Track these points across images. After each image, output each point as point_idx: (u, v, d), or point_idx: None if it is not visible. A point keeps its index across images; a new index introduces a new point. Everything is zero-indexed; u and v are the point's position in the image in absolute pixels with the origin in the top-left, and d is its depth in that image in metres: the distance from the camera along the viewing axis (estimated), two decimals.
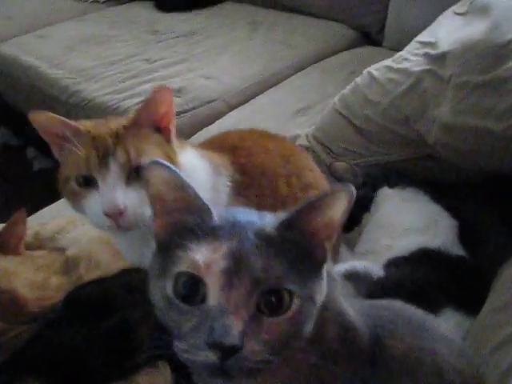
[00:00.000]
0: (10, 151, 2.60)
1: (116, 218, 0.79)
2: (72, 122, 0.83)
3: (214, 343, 0.48)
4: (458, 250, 1.03)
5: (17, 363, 0.77)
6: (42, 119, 0.82)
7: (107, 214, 0.79)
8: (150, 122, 0.84)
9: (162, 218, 0.56)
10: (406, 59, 1.28)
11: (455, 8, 1.39)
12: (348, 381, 0.57)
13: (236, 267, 0.50)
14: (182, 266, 0.51)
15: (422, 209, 1.11)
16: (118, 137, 0.82)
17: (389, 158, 1.22)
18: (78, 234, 1.10)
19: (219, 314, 0.49)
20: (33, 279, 0.95)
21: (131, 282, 0.85)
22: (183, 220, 0.54)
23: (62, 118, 0.82)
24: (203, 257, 0.51)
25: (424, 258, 1.01)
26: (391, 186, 1.17)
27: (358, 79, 1.37)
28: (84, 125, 0.85)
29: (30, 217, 1.18)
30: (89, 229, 1.11)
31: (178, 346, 0.51)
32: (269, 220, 0.54)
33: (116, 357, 0.76)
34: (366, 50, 2.07)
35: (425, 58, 1.21)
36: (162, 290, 0.53)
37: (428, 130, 1.12)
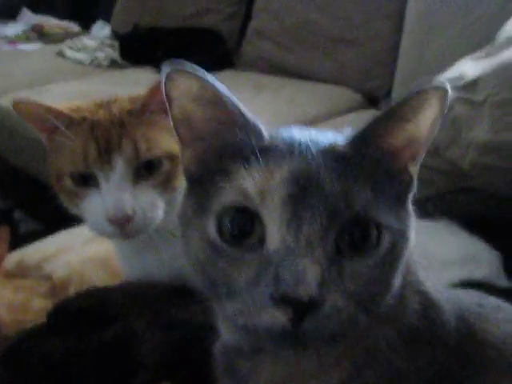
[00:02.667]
0: None
1: (122, 226, 0.66)
2: (63, 109, 0.71)
3: (284, 297, 0.34)
4: (504, 282, 0.91)
5: None
6: (27, 109, 0.70)
7: (112, 221, 0.66)
8: (162, 105, 0.72)
9: (191, 146, 0.43)
10: None
11: (472, 56, 1.37)
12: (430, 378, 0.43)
13: (304, 193, 0.37)
14: (227, 198, 0.38)
15: (458, 240, 0.99)
16: (122, 125, 0.70)
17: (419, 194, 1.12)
18: (71, 258, 0.96)
19: (287, 256, 0.35)
20: (10, 300, 0.83)
21: (134, 290, 0.70)
22: (222, 142, 0.41)
23: (50, 105, 0.70)
24: (255, 182, 0.38)
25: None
26: (420, 217, 1.06)
27: None
28: (78, 108, 0.73)
29: None
30: (83, 252, 0.98)
31: (230, 307, 0.37)
32: (337, 137, 0.42)
33: (113, 375, 0.60)
34: (373, 113, 2.03)
35: (452, 89, 1.16)
36: (201, 234, 0.39)
37: (462, 154, 1.04)
